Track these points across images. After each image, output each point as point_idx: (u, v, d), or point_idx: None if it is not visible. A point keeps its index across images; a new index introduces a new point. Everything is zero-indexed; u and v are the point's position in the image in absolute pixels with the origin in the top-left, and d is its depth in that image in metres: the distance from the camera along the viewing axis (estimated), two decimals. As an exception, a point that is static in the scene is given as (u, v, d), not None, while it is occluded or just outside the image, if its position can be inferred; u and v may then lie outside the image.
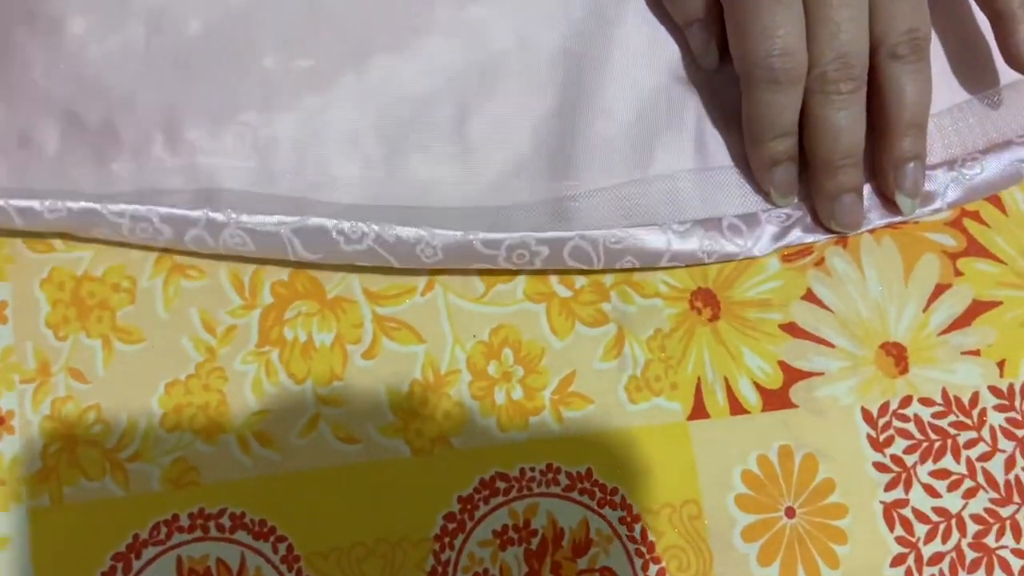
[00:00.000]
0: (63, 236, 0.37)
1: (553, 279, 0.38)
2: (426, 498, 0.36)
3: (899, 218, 0.38)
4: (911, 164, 0.37)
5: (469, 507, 0.36)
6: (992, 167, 0.39)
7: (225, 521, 0.35)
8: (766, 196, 0.38)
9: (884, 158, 0.37)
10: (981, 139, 0.39)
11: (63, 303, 0.36)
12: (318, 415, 0.36)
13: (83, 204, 0.35)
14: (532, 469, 0.36)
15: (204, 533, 0.35)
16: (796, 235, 0.38)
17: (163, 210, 0.36)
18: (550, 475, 0.36)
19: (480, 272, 0.38)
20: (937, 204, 0.39)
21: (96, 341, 0.36)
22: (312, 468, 0.36)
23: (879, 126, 0.37)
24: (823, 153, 0.36)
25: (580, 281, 0.38)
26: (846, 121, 0.35)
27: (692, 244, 0.37)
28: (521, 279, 0.38)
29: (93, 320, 0.36)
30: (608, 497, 0.36)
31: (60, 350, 0.36)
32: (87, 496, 0.35)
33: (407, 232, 0.36)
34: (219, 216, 0.36)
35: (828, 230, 0.38)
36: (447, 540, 0.36)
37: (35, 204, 0.35)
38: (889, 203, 0.38)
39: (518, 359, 0.37)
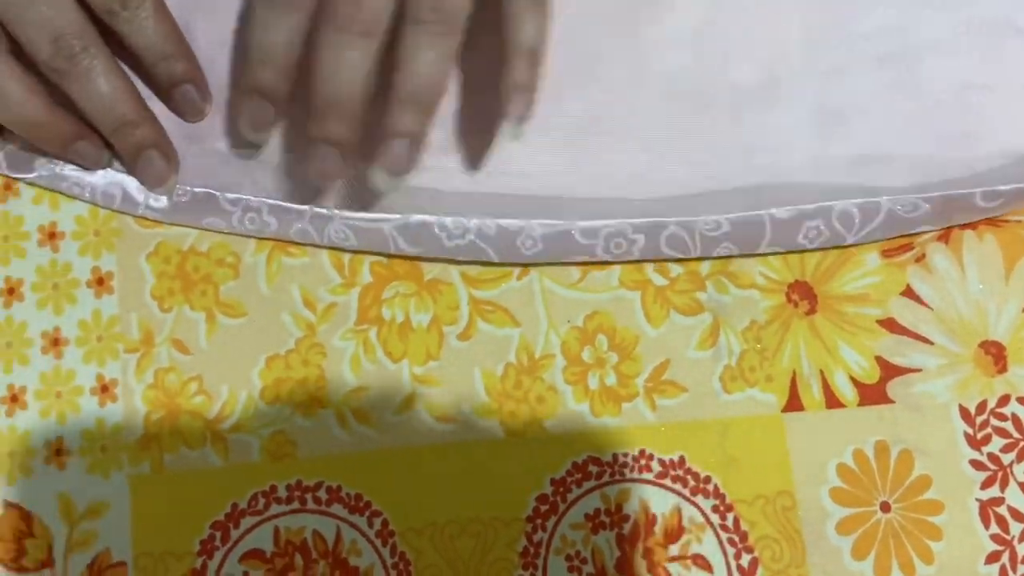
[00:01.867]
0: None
1: (648, 267, 0.39)
2: (519, 479, 0.37)
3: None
4: (399, 141, 0.34)
5: (562, 490, 0.37)
6: None
7: (322, 494, 0.37)
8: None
9: (383, 125, 0.34)
10: None
11: (168, 276, 0.38)
12: (414, 394, 0.38)
13: (203, 189, 0.38)
14: (625, 455, 0.37)
15: (301, 505, 0.37)
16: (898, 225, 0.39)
17: (272, 202, 0.38)
18: (643, 461, 0.37)
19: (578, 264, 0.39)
20: None
21: (200, 314, 0.38)
22: (407, 445, 0.37)
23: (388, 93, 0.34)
24: (312, 94, 0.33)
25: (676, 270, 0.39)
26: (339, 63, 0.32)
27: (792, 229, 0.38)
28: (616, 266, 0.39)
29: (197, 293, 0.38)
30: (701, 485, 0.37)
31: (164, 321, 0.38)
32: (187, 465, 0.37)
33: (509, 223, 0.37)
34: (323, 211, 0.38)
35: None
36: (539, 521, 0.37)
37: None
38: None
39: (612, 346, 0.38)
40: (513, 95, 0.35)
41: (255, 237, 0.38)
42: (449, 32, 0.33)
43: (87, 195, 0.38)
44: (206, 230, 0.39)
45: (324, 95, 0.33)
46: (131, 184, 0.38)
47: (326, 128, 0.33)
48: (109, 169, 0.38)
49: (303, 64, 0.34)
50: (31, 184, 0.38)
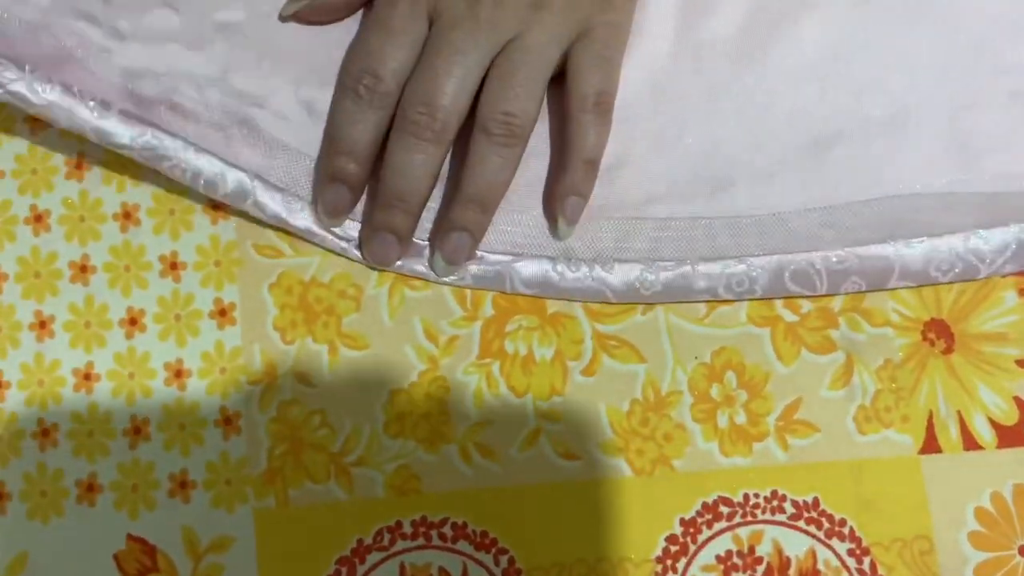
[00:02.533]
0: (293, 237, 0.39)
1: (778, 303, 0.39)
2: (648, 519, 0.37)
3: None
4: (459, 234, 0.37)
5: (692, 530, 0.37)
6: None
7: (447, 530, 0.37)
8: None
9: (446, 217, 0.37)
10: None
11: (291, 307, 0.38)
12: (539, 429, 0.38)
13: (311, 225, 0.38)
14: (756, 495, 0.37)
15: (427, 541, 0.36)
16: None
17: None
18: (775, 502, 0.37)
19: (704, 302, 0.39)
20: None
21: (323, 346, 0.38)
22: (533, 482, 0.37)
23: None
24: (381, 186, 0.37)
25: (806, 306, 0.39)
26: (409, 164, 0.36)
27: (923, 261, 0.37)
28: (744, 301, 0.39)
29: (320, 325, 0.38)
30: (836, 528, 0.37)
31: (287, 353, 0.38)
32: (312, 499, 0.37)
33: (628, 266, 0.37)
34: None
35: None
36: (669, 563, 0.36)
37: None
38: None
39: (741, 383, 0.38)
40: (568, 201, 0.37)
41: (378, 269, 0.38)
42: (515, 143, 0.36)
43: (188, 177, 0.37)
44: (332, 252, 0.39)
45: (393, 189, 0.36)
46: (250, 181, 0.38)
47: (390, 219, 0.37)
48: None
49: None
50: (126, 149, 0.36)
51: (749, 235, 0.38)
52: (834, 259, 0.37)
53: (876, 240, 0.37)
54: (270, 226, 0.38)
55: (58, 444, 0.37)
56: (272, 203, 0.37)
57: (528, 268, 0.38)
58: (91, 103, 0.35)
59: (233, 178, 0.37)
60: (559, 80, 0.38)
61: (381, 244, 0.37)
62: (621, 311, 0.38)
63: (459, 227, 0.37)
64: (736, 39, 0.39)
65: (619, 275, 0.37)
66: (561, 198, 0.37)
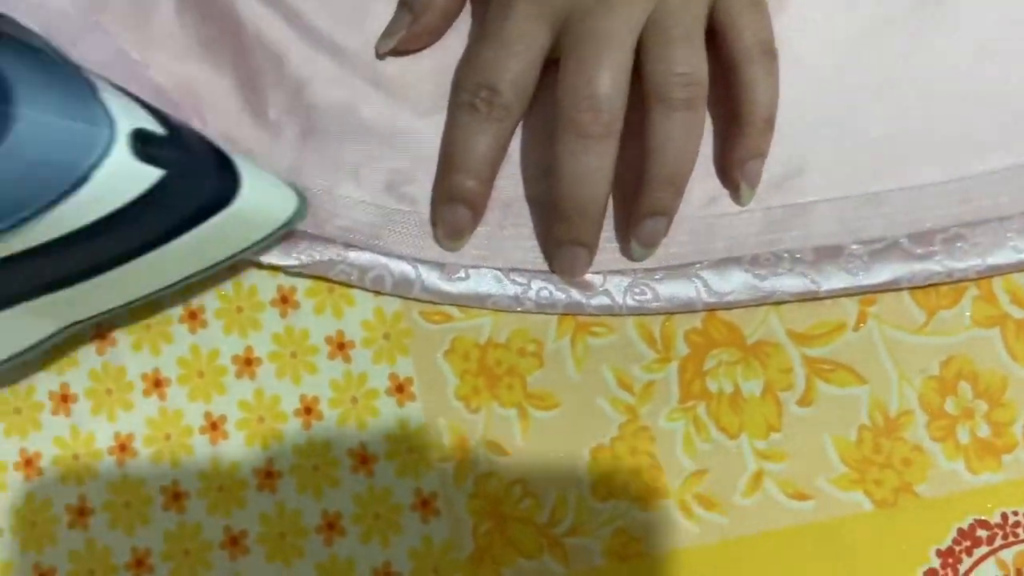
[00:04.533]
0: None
1: (1003, 299, 0.36)
2: (900, 554, 0.34)
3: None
4: (654, 219, 0.35)
5: (951, 561, 0.34)
6: None
7: (680, 595, 0.34)
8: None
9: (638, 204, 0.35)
10: None
11: (471, 373, 0.37)
12: (761, 472, 0.35)
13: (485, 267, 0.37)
14: (1015, 513, 0.34)
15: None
16: None
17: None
18: (1038, 519, 0.34)
19: (916, 299, 0.36)
20: None
21: (511, 410, 0.36)
22: (765, 529, 0.35)
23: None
24: (557, 197, 0.35)
25: (1034, 299, 0.36)
26: (582, 168, 0.34)
27: None
28: (966, 302, 0.36)
29: (504, 388, 0.36)
30: (1114, 540, 0.34)
31: (475, 423, 0.36)
32: (527, 577, 0.35)
33: (824, 243, 0.36)
34: (622, 275, 0.36)
35: None
36: (933, 601, 0.34)
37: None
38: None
39: (978, 393, 0.35)
40: (749, 165, 0.35)
41: (546, 313, 0.36)
42: (699, 105, 0.34)
43: (354, 277, 0.36)
44: (491, 310, 0.37)
45: (569, 199, 0.34)
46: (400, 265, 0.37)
47: (574, 232, 0.35)
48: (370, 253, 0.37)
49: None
50: (296, 273, 0.37)
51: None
52: None
53: None
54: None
55: (249, 551, 0.35)
56: (439, 282, 0.36)
57: (718, 269, 0.36)
58: None
59: (397, 269, 0.36)
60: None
61: (570, 258, 0.36)
62: (828, 331, 0.36)
63: (654, 212, 0.35)
64: (901, 17, 0.37)
65: (819, 258, 0.36)
66: (741, 163, 0.35)
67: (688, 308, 0.36)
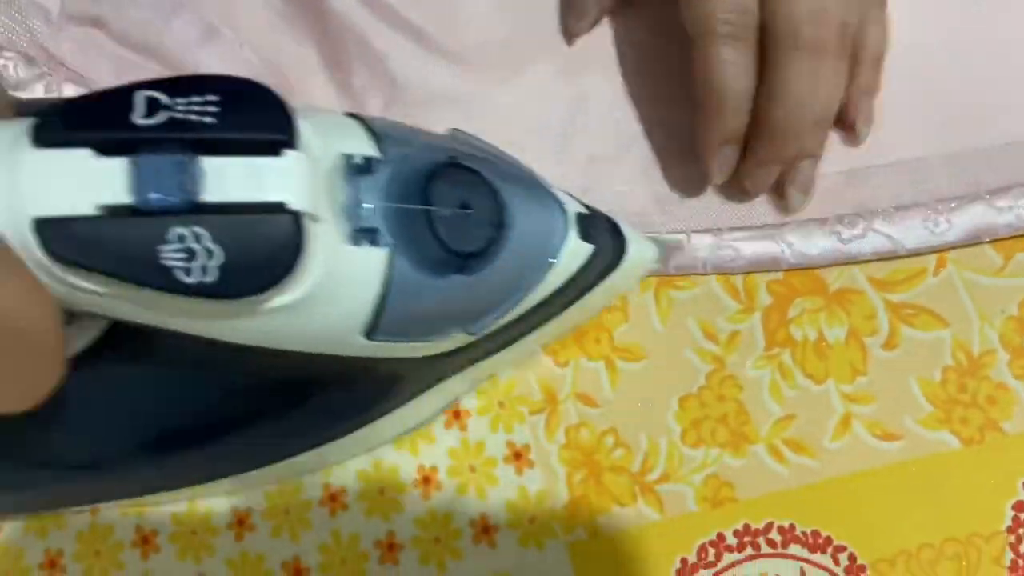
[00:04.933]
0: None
1: (1079, 240, 0.37)
2: (988, 489, 0.35)
3: None
4: (809, 162, 0.36)
5: (1041, 494, 0.35)
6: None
7: (775, 536, 0.35)
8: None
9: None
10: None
11: (558, 329, 0.37)
12: (849, 415, 0.36)
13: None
14: (1103, 447, 0.35)
15: (755, 551, 0.35)
16: None
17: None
18: (1125, 451, 0.35)
19: (993, 244, 0.37)
20: None
21: (598, 363, 0.37)
22: (855, 471, 0.35)
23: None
24: (775, 118, 0.35)
25: (1110, 237, 0.37)
26: (817, 84, 0.34)
27: None
28: (1040, 244, 0.37)
29: (591, 342, 0.37)
30: None
31: (564, 376, 0.37)
32: (623, 524, 0.35)
33: (906, 208, 0.36)
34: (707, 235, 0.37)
35: None
36: (1023, 531, 0.34)
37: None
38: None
39: (1058, 330, 0.36)
40: (862, 103, 0.36)
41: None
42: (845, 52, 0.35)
43: None
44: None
45: (800, 116, 0.34)
46: None
47: (800, 145, 0.35)
48: None
49: None
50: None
51: None
52: None
53: None
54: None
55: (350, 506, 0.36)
56: None
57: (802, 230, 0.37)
58: None
59: None
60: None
61: (767, 176, 0.36)
62: (909, 276, 0.37)
63: (805, 155, 0.36)
64: None
65: (903, 219, 0.36)
66: (854, 102, 0.36)
67: (772, 267, 0.37)
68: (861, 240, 0.36)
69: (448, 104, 0.38)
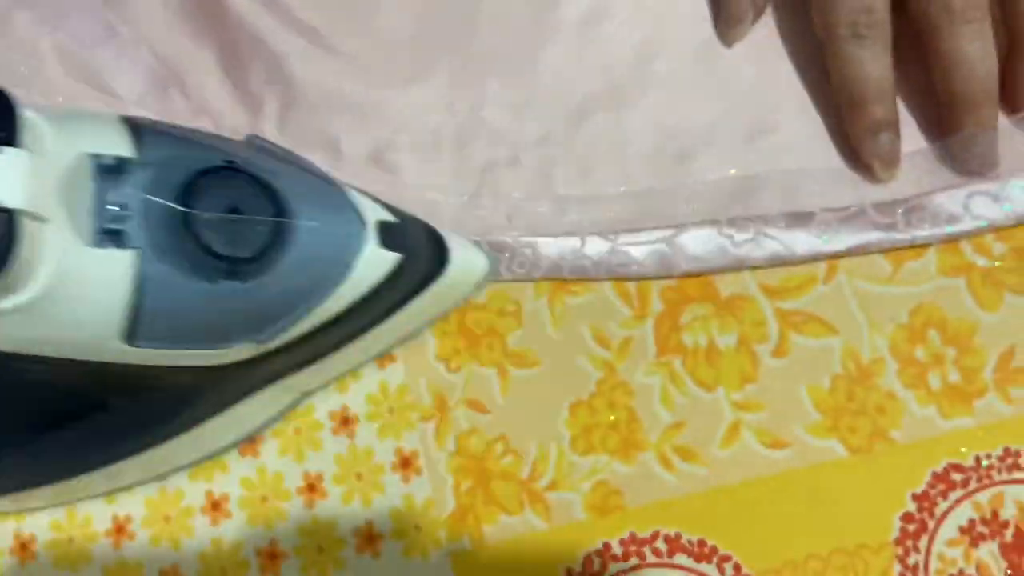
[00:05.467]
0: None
1: (967, 248, 0.37)
2: (876, 499, 0.35)
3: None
4: (886, 135, 0.37)
5: (927, 504, 0.35)
6: None
7: (660, 545, 0.35)
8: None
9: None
10: None
11: (450, 335, 0.37)
12: (738, 422, 0.36)
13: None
14: (988, 456, 0.35)
15: (641, 560, 0.35)
16: None
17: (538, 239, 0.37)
18: (1009, 460, 0.35)
19: (884, 252, 0.37)
20: None
21: (490, 369, 0.37)
22: (743, 479, 0.35)
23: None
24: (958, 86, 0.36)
25: (998, 247, 0.37)
26: (977, 53, 0.35)
27: None
28: (931, 254, 0.37)
29: (484, 348, 0.37)
30: (1084, 477, 0.35)
31: (455, 383, 0.37)
32: (509, 534, 0.35)
33: (796, 211, 0.37)
34: (602, 239, 0.37)
35: None
36: (910, 543, 0.34)
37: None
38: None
39: (946, 339, 0.36)
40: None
41: (526, 280, 0.37)
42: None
43: None
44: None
45: (973, 87, 0.35)
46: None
47: (983, 116, 0.36)
48: None
49: None
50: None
51: None
52: None
53: None
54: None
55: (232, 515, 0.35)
56: None
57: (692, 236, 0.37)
58: None
59: None
60: None
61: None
62: (800, 284, 0.37)
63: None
64: None
65: (791, 226, 0.37)
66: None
67: (665, 273, 0.37)
68: (752, 244, 0.36)
69: (344, 107, 0.38)
